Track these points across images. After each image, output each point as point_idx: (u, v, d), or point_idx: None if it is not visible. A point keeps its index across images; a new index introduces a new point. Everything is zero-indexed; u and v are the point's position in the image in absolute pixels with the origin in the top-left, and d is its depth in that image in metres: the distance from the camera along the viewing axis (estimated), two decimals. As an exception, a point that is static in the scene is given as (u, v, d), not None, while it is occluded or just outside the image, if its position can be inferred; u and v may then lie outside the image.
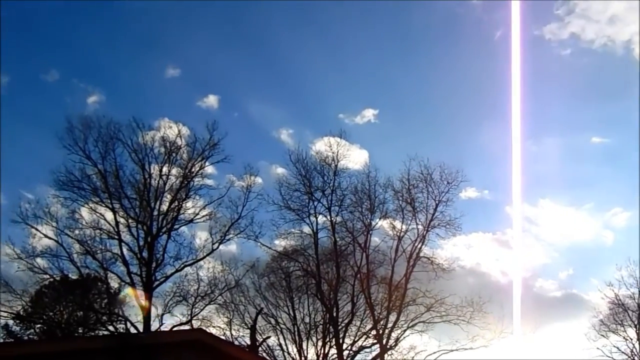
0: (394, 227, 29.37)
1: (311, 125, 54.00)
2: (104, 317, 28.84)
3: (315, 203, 28.77)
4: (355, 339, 29.67)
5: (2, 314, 27.66)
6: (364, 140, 38.31)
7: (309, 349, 29.80)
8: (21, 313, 28.31)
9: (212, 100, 42.33)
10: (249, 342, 27.77)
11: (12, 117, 48.24)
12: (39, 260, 27.60)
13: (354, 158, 30.04)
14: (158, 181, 28.04)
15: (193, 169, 28.25)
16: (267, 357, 28.63)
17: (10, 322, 29.46)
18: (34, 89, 48.24)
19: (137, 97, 48.53)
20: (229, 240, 28.60)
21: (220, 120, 28.68)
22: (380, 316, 29.37)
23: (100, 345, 11.54)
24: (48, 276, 27.76)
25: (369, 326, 29.64)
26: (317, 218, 28.83)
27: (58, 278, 28.16)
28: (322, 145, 29.73)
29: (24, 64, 48.62)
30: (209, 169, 28.98)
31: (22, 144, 46.13)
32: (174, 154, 28.20)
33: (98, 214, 28.01)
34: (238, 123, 46.62)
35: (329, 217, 28.81)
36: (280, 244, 30.06)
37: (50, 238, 27.65)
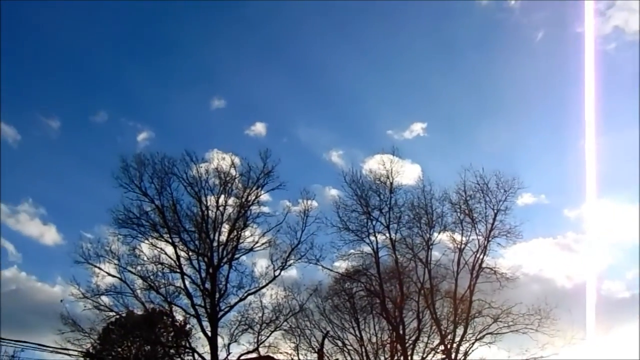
0: (454, 240, 28.91)
1: (361, 145, 54.02)
2: (172, 350, 29.08)
3: (374, 222, 28.57)
4: (424, 356, 29.26)
5: (72, 352, 28.00)
6: (414, 155, 38.21)
7: (377, 368, 29.57)
8: (90, 351, 28.65)
9: (259, 127, 42.56)
10: (317, 366, 27.68)
11: (66, 160, 49.60)
12: (104, 298, 28.03)
13: (407, 173, 29.71)
14: (215, 212, 28.14)
15: (249, 198, 28.27)
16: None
17: (81, 360, 29.88)
18: (85, 130, 49.44)
19: (186, 131, 49.27)
20: (290, 266, 28.50)
21: (270, 147, 28.49)
22: (447, 330, 28.94)
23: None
24: (114, 313, 28.14)
25: (436, 341, 29.23)
26: (376, 237, 28.60)
27: (124, 314, 28.46)
28: (375, 164, 29.49)
29: (73, 107, 49.89)
30: (264, 196, 28.89)
31: (77, 185, 47.40)
32: (229, 185, 28.29)
33: (159, 249, 28.30)
34: (288, 148, 46.85)
35: (388, 235, 28.51)
36: (342, 265, 29.90)
37: (113, 276, 28.08)
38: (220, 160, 28.41)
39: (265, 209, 29.07)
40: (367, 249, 28.76)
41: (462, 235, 28.80)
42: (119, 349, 30.42)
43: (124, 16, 53.50)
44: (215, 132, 49.70)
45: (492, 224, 28.65)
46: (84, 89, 53.02)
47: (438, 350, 29.24)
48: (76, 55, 53.66)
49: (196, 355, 27.68)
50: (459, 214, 28.86)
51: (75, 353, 27.95)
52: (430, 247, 28.78)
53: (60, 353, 24.09)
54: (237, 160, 28.80)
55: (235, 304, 28.10)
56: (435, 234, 28.92)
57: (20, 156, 50.04)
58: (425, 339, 29.32)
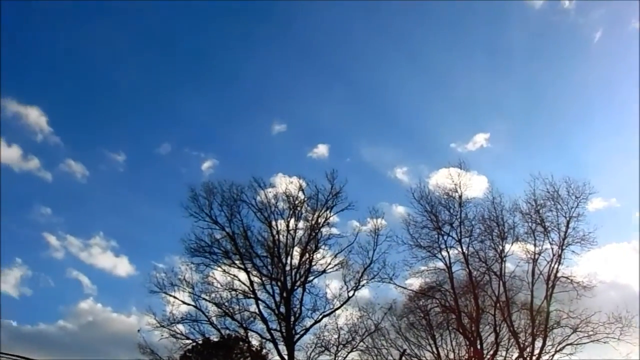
0: (527, 251, 28.34)
1: (425, 160, 53.81)
2: (249, 375, 29.13)
3: (445, 237, 28.34)
4: (503, 370, 28.78)
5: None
6: (480, 166, 37.84)
7: (456, 385, 29.19)
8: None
9: (322, 149, 42.83)
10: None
11: (133, 192, 51.19)
12: (179, 326, 28.34)
13: (475, 186, 29.35)
14: (286, 236, 28.33)
15: (319, 220, 28.37)
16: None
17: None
18: (150, 163, 50.91)
19: (249, 157, 50.09)
20: (363, 286, 28.42)
21: (333, 168, 28.59)
22: (526, 343, 28.36)
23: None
24: (190, 341, 28.45)
25: (515, 355, 28.67)
26: (448, 252, 28.34)
27: (200, 342, 28.72)
28: (441, 178, 29.36)
29: (137, 141, 51.50)
30: (333, 217, 28.92)
31: (145, 217, 48.76)
32: (298, 208, 28.34)
33: (232, 276, 28.59)
34: (351, 168, 46.89)
35: (460, 250, 28.23)
36: (415, 282, 29.67)
37: (188, 304, 28.44)
38: (288, 184, 28.58)
39: (334, 230, 29.14)
40: (439, 264, 28.55)
41: (535, 246, 28.27)
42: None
43: (181, 49, 54.83)
44: (278, 157, 50.34)
45: (565, 231, 28.09)
46: (147, 123, 54.74)
47: (517, 364, 28.73)
48: (137, 89, 55.24)
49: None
50: (530, 223, 28.40)
51: None
52: (504, 259, 28.36)
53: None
54: (303, 183, 28.93)
55: (311, 326, 28.16)
56: (508, 246, 28.50)
57: (89, 191, 51.80)
58: (504, 353, 28.83)
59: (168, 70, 55.44)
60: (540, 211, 28.33)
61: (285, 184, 28.83)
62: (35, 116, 50.26)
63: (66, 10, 52.57)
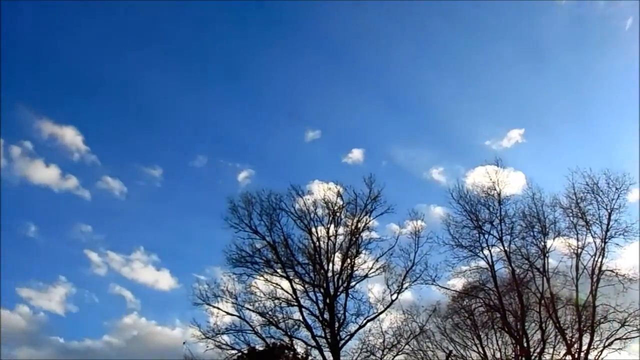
0: (569, 246, 28.05)
1: (460, 159, 53.77)
2: (296, 383, 29.20)
3: (486, 236, 28.20)
4: (551, 368, 28.51)
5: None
6: (516, 162, 37.51)
7: (503, 384, 28.95)
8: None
9: (357, 154, 42.94)
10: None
11: (170, 206, 52.08)
12: (224, 337, 28.56)
13: (512, 182, 29.20)
14: (327, 243, 28.46)
15: (359, 225, 28.43)
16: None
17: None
18: (186, 176, 51.76)
19: (284, 165, 50.55)
20: (406, 288, 28.39)
21: (370, 171, 28.68)
22: (573, 339, 28.05)
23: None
24: (236, 351, 28.62)
25: (562, 352, 28.40)
26: (490, 250, 28.18)
27: (245, 351, 28.87)
28: (478, 176, 29.22)
29: (173, 155, 52.47)
30: (372, 221, 28.97)
31: (183, 230, 49.56)
32: (337, 214, 28.44)
33: (274, 284, 28.79)
34: (387, 171, 46.81)
35: (502, 248, 28.04)
36: (458, 282, 29.58)
37: (231, 314, 28.71)
38: (326, 190, 28.70)
39: (374, 235, 29.22)
40: (481, 263, 28.39)
41: (577, 240, 27.98)
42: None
43: (211, 60, 55.39)
44: (313, 163, 50.73)
45: (608, 224, 27.73)
46: (181, 136, 55.59)
47: (565, 361, 28.43)
48: (169, 104, 56.10)
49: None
50: (571, 218, 28.09)
51: None
52: (546, 255, 28.08)
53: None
54: (341, 188, 29.05)
55: (356, 331, 28.23)
56: (550, 241, 28.20)
57: (127, 207, 52.89)
58: (551, 350, 28.59)
59: (199, 83, 56.33)
60: (581, 205, 28.03)
61: (322, 190, 28.98)
62: (71, 136, 51.66)
63: (97, 30, 53.65)
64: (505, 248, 28.06)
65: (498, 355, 28.92)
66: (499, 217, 28.12)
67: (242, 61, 56.55)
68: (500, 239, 28.06)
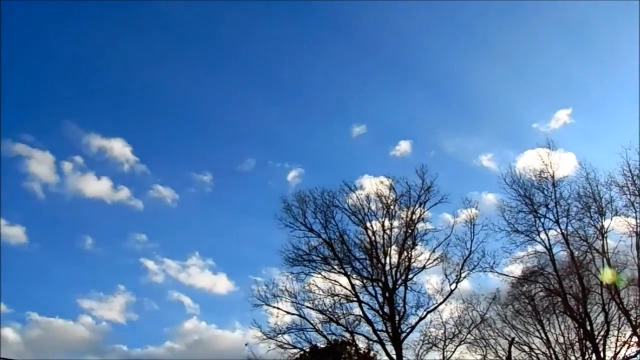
0: (628, 224, 27.65)
1: (509, 144, 53.56)
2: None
3: (542, 219, 27.99)
4: (617, 350, 28.04)
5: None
6: (565, 143, 37.41)
7: (569, 369, 28.65)
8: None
9: (404, 146, 43.12)
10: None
11: (222, 210, 52.91)
12: (285, 336, 28.81)
13: (564, 164, 29.01)
14: (383, 236, 28.65)
15: (413, 217, 28.53)
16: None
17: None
18: (236, 179, 52.53)
19: (333, 162, 50.82)
20: (464, 277, 28.38)
21: (419, 162, 28.80)
22: (638, 320, 27.71)
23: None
24: (297, 350, 28.84)
25: (628, 333, 27.95)
26: (547, 234, 27.94)
27: (307, 349, 29.12)
28: (529, 160, 29.12)
29: (221, 160, 53.33)
30: (426, 212, 29.06)
31: (237, 233, 50.21)
32: (391, 207, 28.63)
33: (332, 281, 29.02)
34: (436, 161, 46.70)
35: (559, 230, 27.81)
36: (516, 269, 29.45)
37: (291, 313, 28.97)
38: (378, 184, 28.94)
39: (429, 226, 29.32)
40: (539, 247, 28.17)
41: (636, 218, 27.59)
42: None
43: (252, 60, 55.55)
44: (361, 158, 50.91)
45: (667, 199, 27.44)
46: (228, 140, 56.32)
47: (631, 343, 28.02)
48: (214, 108, 56.74)
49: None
50: (628, 195, 27.72)
51: None
52: (605, 235, 27.76)
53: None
54: (392, 181, 29.21)
55: (416, 323, 28.26)
56: (608, 221, 27.85)
57: (180, 214, 53.88)
58: (616, 333, 28.09)
59: (241, 86, 57.03)
60: (637, 182, 27.71)
61: (374, 184, 29.23)
62: (119, 147, 52.81)
63: (137, 40, 54.56)
64: (563, 231, 27.84)
65: (561, 340, 28.66)
66: (554, 200, 27.96)
67: (281, 59, 57.26)
68: (557, 222, 27.86)
